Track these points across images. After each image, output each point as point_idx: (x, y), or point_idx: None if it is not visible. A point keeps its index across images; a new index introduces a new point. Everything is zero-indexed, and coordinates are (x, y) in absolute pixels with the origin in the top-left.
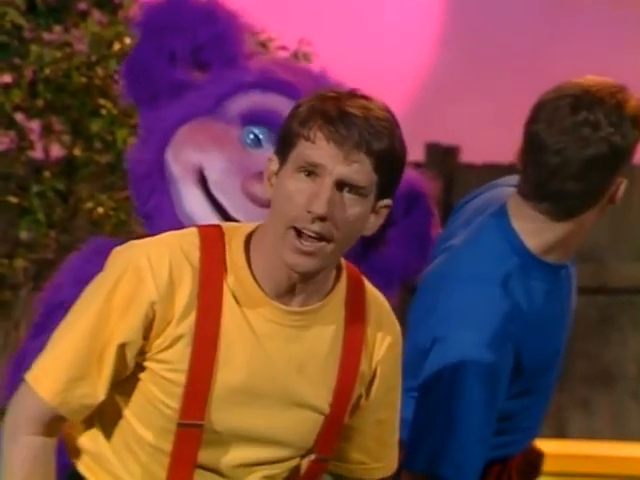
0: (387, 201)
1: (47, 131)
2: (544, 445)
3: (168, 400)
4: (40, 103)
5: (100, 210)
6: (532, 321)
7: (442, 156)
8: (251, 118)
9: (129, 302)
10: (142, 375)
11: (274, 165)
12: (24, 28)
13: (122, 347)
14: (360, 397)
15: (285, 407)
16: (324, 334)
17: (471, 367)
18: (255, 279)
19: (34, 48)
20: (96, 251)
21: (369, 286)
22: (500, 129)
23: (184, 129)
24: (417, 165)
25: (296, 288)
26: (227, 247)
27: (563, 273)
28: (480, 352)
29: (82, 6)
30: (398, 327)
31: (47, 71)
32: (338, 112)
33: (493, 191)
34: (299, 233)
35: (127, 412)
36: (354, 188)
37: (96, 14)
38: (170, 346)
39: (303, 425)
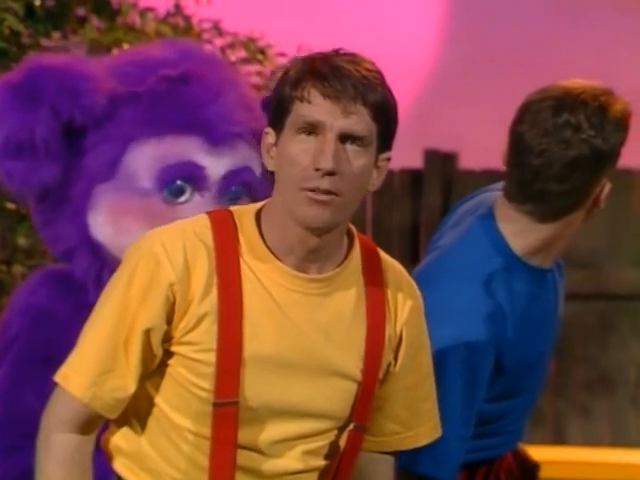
0: (387, 154)
1: None
2: (543, 451)
3: (200, 381)
4: None
5: None
6: (514, 322)
7: (441, 162)
8: (165, 180)
9: (148, 288)
10: (171, 361)
11: (271, 137)
12: (22, 34)
13: (147, 333)
14: (389, 364)
15: (318, 376)
16: (347, 300)
17: (450, 363)
18: (271, 251)
19: (32, 54)
20: (39, 282)
21: (383, 253)
22: (499, 136)
23: (101, 214)
24: (416, 171)
25: (312, 255)
26: (239, 225)
27: (549, 277)
28: (460, 349)
29: (80, 12)
30: (418, 291)
31: None
32: (329, 68)
33: (485, 194)
34: (309, 191)
35: (162, 403)
36: (356, 139)
37: (94, 20)
38: (195, 326)
39: (338, 393)
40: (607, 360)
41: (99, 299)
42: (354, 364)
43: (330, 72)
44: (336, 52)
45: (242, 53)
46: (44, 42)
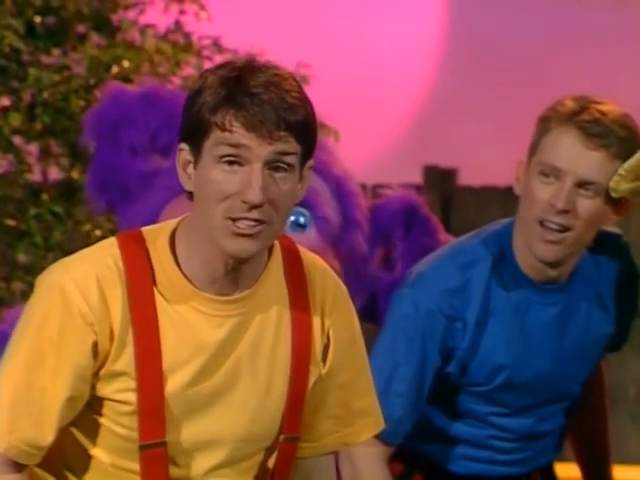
0: (309, 162)
1: (45, 154)
2: None
3: (124, 421)
4: (38, 126)
5: (98, 232)
6: (485, 318)
7: (440, 178)
8: None
9: (63, 331)
10: (94, 402)
11: (187, 155)
12: (22, 51)
13: (69, 381)
14: (319, 367)
15: (244, 400)
16: (269, 314)
17: (397, 320)
18: (186, 276)
19: (32, 71)
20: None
21: (305, 252)
22: (498, 152)
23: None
24: (415, 187)
25: (234, 278)
26: (151, 250)
27: (556, 296)
28: (408, 307)
29: (80, 29)
30: (343, 287)
31: (45, 94)
32: (247, 96)
33: None
34: (234, 220)
35: (86, 441)
36: (282, 165)
37: (94, 37)
38: (115, 367)
39: (266, 414)
40: (607, 377)
41: (11, 339)
42: (280, 380)
43: (249, 101)
44: (251, 67)
45: None
46: (44, 59)
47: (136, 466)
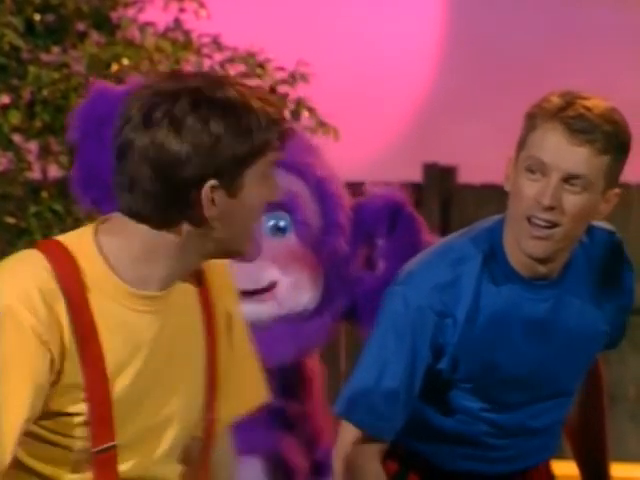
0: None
1: (45, 152)
2: None
3: (76, 432)
4: (38, 124)
5: None
6: (475, 314)
7: (440, 176)
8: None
9: (20, 356)
10: (42, 419)
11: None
12: (22, 49)
13: (27, 421)
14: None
15: (177, 389)
16: (183, 306)
17: (387, 317)
18: (119, 277)
19: (32, 69)
20: None
21: None
22: (498, 150)
23: None
24: (415, 185)
25: (173, 278)
26: (77, 256)
27: (547, 292)
28: (398, 304)
29: (80, 27)
30: (227, 266)
31: (45, 92)
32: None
33: None
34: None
35: (32, 461)
36: None
37: (94, 35)
38: (66, 380)
39: (196, 399)
40: (607, 376)
41: None
42: (200, 365)
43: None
44: (226, 82)
45: (241, 67)
46: (44, 57)
47: (83, 476)
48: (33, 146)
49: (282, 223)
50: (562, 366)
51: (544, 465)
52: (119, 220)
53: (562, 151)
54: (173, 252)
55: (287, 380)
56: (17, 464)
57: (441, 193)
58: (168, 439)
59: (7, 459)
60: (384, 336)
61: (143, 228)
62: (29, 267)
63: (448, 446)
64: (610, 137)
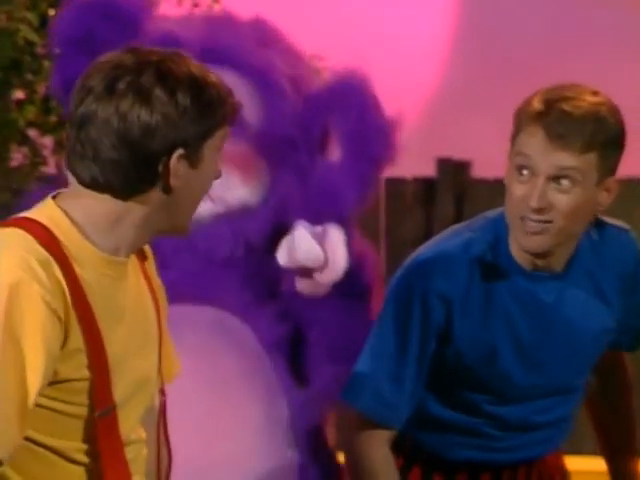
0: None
1: (60, 147)
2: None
3: (78, 399)
4: (53, 119)
5: None
6: (473, 300)
7: (453, 171)
8: None
9: (34, 326)
10: (50, 392)
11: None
12: (37, 44)
13: (39, 390)
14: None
15: (146, 346)
16: (134, 270)
17: (394, 303)
18: (92, 243)
19: (47, 64)
20: None
21: None
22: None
23: None
24: (429, 180)
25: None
26: (50, 225)
27: (550, 285)
28: (401, 289)
29: None
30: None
31: None
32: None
33: None
34: None
35: (42, 437)
36: None
37: None
38: (71, 345)
39: (155, 356)
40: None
41: None
42: (155, 324)
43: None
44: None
45: None
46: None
47: (88, 446)
48: (48, 141)
49: None
50: (564, 359)
51: (553, 458)
52: (76, 192)
53: (544, 154)
54: (139, 221)
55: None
56: (24, 439)
57: (455, 188)
58: (145, 396)
59: (24, 429)
60: (389, 321)
61: (106, 198)
62: (19, 241)
63: (450, 435)
64: (593, 135)
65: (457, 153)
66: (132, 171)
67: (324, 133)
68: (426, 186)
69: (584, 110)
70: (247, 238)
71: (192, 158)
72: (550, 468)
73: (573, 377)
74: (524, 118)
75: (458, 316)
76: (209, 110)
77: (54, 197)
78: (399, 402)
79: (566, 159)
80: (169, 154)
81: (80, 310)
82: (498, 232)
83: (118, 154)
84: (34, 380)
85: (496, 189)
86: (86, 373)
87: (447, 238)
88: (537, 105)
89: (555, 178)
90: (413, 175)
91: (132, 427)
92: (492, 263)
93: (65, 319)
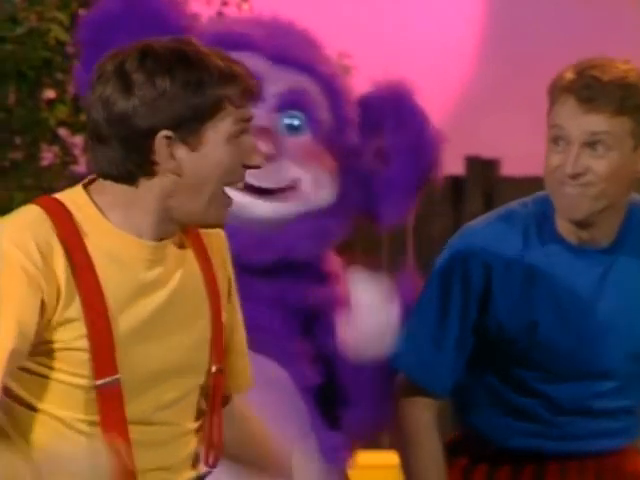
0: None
1: None
2: None
3: (79, 369)
4: (84, 118)
5: None
6: (517, 272)
7: (482, 169)
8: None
9: (8, 292)
10: (47, 357)
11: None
12: (67, 44)
13: (16, 352)
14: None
15: (179, 334)
16: (181, 258)
17: (440, 269)
18: (116, 225)
19: (77, 63)
20: None
21: None
22: (540, 141)
23: None
24: (457, 178)
25: (170, 229)
26: (68, 204)
27: (596, 259)
28: (449, 257)
29: None
30: (223, 233)
31: None
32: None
33: None
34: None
35: (46, 406)
36: None
37: None
38: (66, 314)
39: (200, 343)
40: None
41: None
42: (203, 315)
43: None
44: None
45: None
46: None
47: (92, 418)
48: (79, 140)
49: (296, 122)
50: (608, 340)
51: (615, 453)
52: (99, 180)
53: (575, 120)
54: (151, 207)
55: (312, 272)
56: (30, 408)
57: (484, 186)
58: (177, 387)
59: None
60: (433, 287)
61: (114, 183)
62: (29, 219)
63: (505, 420)
64: (623, 99)
65: (486, 151)
66: (123, 155)
67: (380, 141)
68: (455, 184)
69: (613, 75)
70: (328, 238)
71: (189, 140)
72: (626, 467)
73: (617, 360)
74: (556, 89)
75: (498, 284)
76: (196, 90)
77: (86, 182)
78: (441, 366)
79: (597, 123)
80: (152, 136)
81: (83, 283)
82: (545, 207)
83: (106, 139)
84: (3, 343)
85: (525, 187)
86: (86, 343)
87: (497, 212)
88: (568, 75)
89: (589, 144)
90: (442, 173)
91: (151, 408)
92: (538, 235)
93: (56, 294)
